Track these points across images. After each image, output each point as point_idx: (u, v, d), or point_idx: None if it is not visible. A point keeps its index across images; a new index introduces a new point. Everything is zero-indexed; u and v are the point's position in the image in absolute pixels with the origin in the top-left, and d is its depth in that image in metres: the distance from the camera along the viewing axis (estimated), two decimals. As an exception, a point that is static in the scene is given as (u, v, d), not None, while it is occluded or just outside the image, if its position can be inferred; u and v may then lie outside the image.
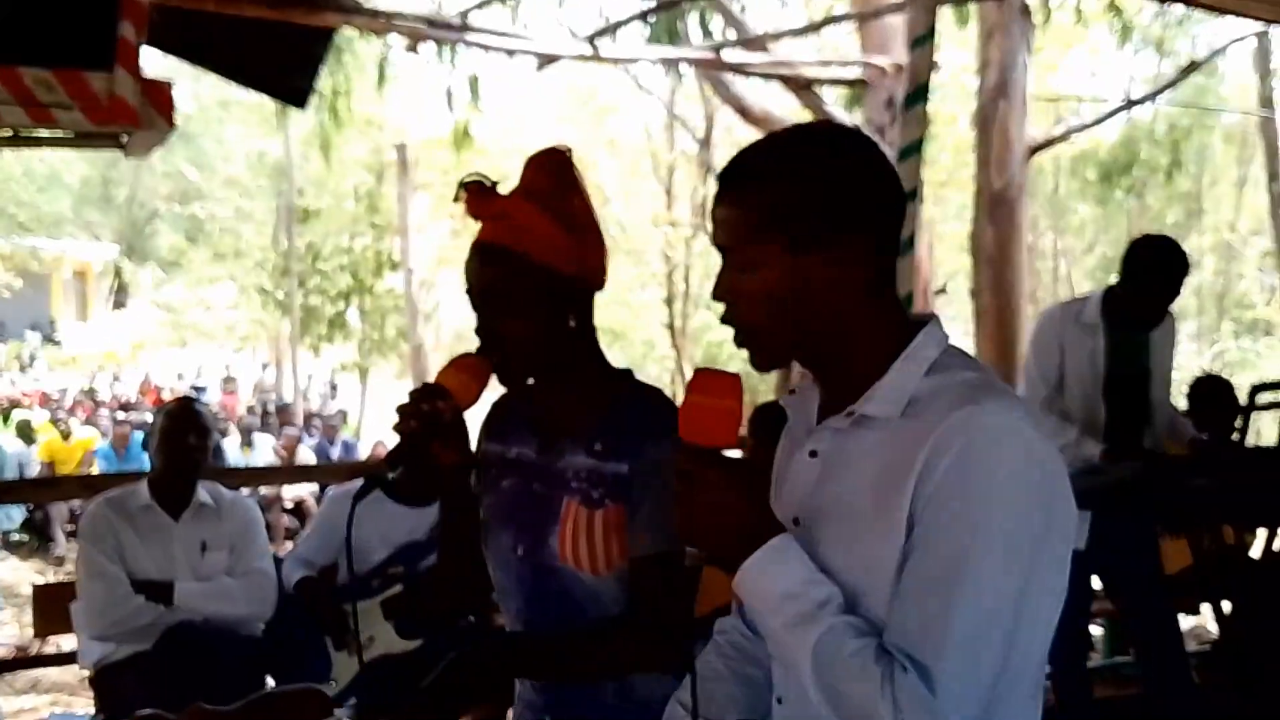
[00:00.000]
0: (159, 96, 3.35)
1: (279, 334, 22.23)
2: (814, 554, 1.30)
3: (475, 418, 1.88)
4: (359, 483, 4.60)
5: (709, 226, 1.44)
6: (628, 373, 1.84)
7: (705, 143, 16.49)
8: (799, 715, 1.38)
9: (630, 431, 1.73)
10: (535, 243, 1.71)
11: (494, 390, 1.85)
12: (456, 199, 1.74)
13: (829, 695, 1.25)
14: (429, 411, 1.68)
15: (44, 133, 3.56)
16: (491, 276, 1.72)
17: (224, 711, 1.70)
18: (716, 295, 1.40)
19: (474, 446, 1.89)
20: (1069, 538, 1.28)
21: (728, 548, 1.30)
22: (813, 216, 1.32)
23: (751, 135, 8.48)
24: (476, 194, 1.73)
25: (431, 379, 1.75)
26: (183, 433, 3.70)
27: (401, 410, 1.70)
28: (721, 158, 15.50)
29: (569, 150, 1.80)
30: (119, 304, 35.94)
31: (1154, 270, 3.82)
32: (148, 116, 3.32)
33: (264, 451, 13.09)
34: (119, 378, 25.44)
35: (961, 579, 1.21)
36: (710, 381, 1.35)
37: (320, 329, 19.44)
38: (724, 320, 1.40)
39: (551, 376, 1.79)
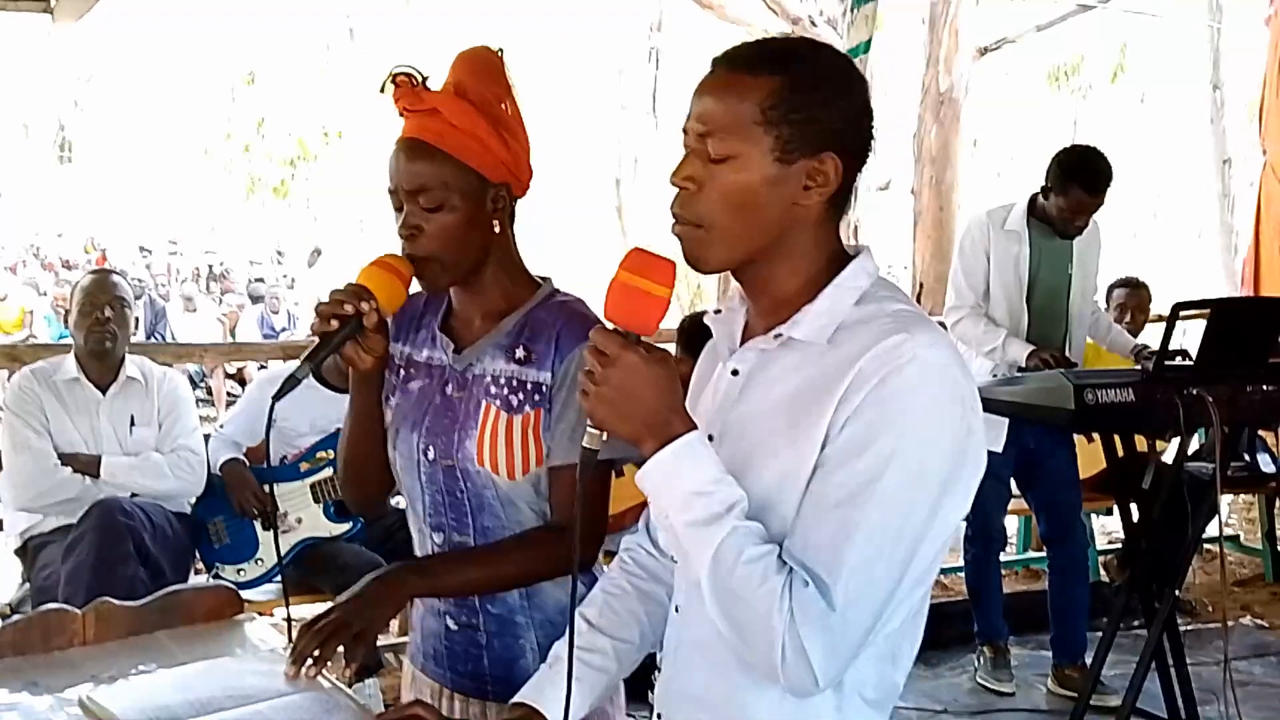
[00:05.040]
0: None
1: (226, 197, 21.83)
2: (726, 468, 1.29)
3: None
4: (288, 367, 4.56)
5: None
6: (548, 281, 1.82)
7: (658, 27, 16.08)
8: (694, 626, 1.38)
9: (553, 340, 1.72)
10: (464, 143, 1.67)
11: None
12: (383, 90, 1.69)
13: (723, 599, 1.25)
14: (352, 314, 1.63)
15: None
16: (418, 174, 1.67)
17: (131, 608, 1.72)
18: (677, 181, 1.32)
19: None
20: (978, 471, 1.30)
21: (634, 434, 1.28)
22: (812, 124, 1.29)
23: (707, 20, 8.34)
24: (407, 88, 1.68)
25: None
26: (99, 306, 3.65)
27: (321, 310, 1.65)
28: (672, 42, 15.25)
29: (501, 50, 1.75)
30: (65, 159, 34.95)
31: (1078, 182, 3.87)
32: (70, -21, 3.19)
33: (207, 318, 12.99)
34: (62, 235, 24.87)
35: (868, 502, 1.22)
36: (646, 263, 1.29)
37: (265, 195, 19.12)
38: (674, 208, 1.33)
39: (472, 281, 1.76)
